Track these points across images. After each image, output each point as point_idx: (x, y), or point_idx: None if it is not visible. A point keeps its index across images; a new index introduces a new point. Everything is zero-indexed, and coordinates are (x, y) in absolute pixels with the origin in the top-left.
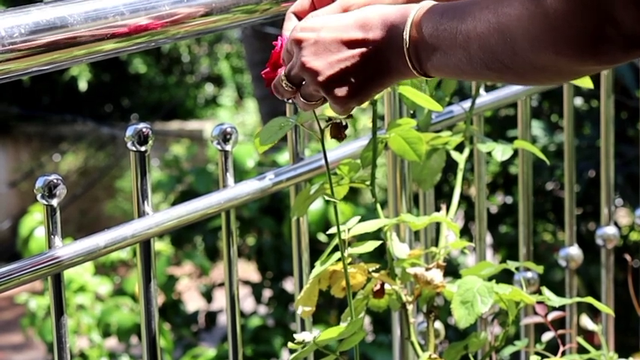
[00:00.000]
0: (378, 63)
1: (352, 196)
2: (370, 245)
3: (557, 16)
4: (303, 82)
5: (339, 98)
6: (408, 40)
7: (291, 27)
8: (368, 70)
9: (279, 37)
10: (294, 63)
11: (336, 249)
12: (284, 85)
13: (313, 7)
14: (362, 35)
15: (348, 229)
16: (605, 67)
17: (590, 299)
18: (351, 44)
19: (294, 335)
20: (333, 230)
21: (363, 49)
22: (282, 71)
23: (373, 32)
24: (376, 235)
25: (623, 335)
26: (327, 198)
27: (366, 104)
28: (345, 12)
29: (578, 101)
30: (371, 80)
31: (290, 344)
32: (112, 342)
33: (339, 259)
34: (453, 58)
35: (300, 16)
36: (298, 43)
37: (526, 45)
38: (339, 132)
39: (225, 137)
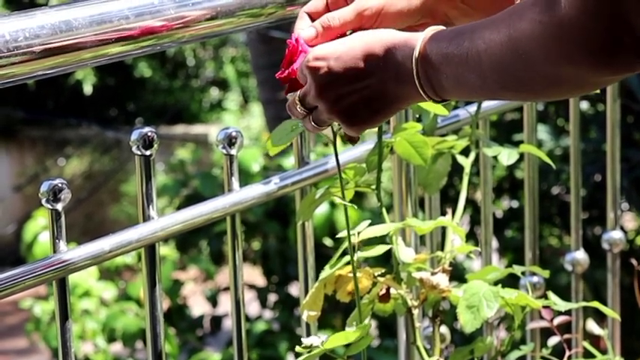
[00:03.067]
0: (388, 91)
1: (358, 200)
2: (379, 249)
3: (572, 27)
4: (317, 107)
5: (352, 127)
6: (416, 67)
7: (303, 26)
8: (380, 99)
9: (292, 36)
10: (308, 90)
11: (344, 253)
12: (298, 108)
13: (327, 8)
14: (370, 66)
15: (358, 234)
16: (622, 76)
17: (596, 304)
18: (361, 74)
19: (302, 340)
20: (341, 234)
21: (374, 79)
22: (297, 94)
23: (381, 62)
24: (382, 239)
25: (629, 339)
26: (338, 201)
27: None
28: (360, 15)
29: (584, 105)
30: (383, 108)
31: (297, 348)
32: (117, 347)
33: (347, 264)
34: (465, 81)
35: (313, 17)
36: (312, 71)
37: (541, 59)
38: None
39: (230, 141)
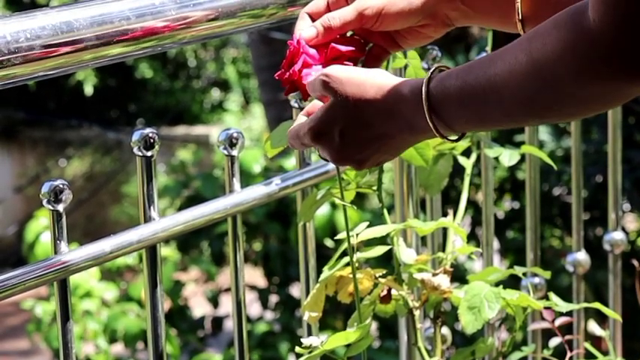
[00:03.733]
0: (405, 142)
1: (359, 201)
2: (379, 250)
3: (603, 39)
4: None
5: (363, 168)
6: (431, 120)
7: (304, 27)
8: (397, 150)
9: (293, 37)
10: (324, 154)
11: (344, 254)
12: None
13: (328, 9)
14: (383, 126)
15: (357, 235)
16: None
17: (597, 305)
18: (375, 137)
19: (302, 340)
20: (341, 235)
21: (388, 139)
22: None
23: (393, 120)
24: (383, 240)
25: (631, 341)
26: (337, 202)
27: None
28: (360, 15)
29: None
30: (399, 154)
31: (297, 349)
32: (118, 348)
33: (347, 264)
34: (489, 118)
35: (314, 18)
36: (320, 140)
37: (571, 79)
38: None
39: (231, 142)
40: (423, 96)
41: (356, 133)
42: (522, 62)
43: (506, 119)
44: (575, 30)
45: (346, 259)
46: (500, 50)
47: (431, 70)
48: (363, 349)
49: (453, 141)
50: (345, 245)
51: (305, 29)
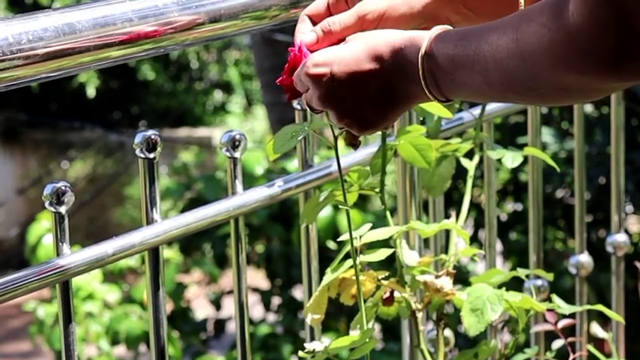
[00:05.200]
0: (394, 92)
1: (361, 203)
2: (382, 253)
3: (579, 36)
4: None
5: (362, 130)
6: (422, 66)
7: (304, 29)
8: (385, 101)
9: (294, 41)
10: (310, 97)
11: (347, 257)
12: (307, 109)
13: (329, 12)
14: (375, 66)
15: (360, 237)
16: (630, 84)
17: (600, 307)
18: (365, 77)
19: (305, 345)
20: (343, 237)
21: (378, 82)
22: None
23: (386, 62)
24: (386, 242)
25: (634, 343)
26: (340, 206)
27: None
28: (361, 19)
29: (589, 108)
30: (391, 109)
31: (300, 353)
32: (121, 350)
33: (350, 267)
34: (471, 83)
35: (314, 20)
36: (313, 78)
37: (548, 66)
38: (354, 139)
39: (234, 144)
40: (422, 50)
41: (350, 70)
42: (509, 44)
43: (489, 90)
44: (556, 20)
45: (349, 261)
46: (495, 22)
47: (438, 29)
48: (366, 352)
49: (441, 101)
50: (347, 247)
51: (305, 34)
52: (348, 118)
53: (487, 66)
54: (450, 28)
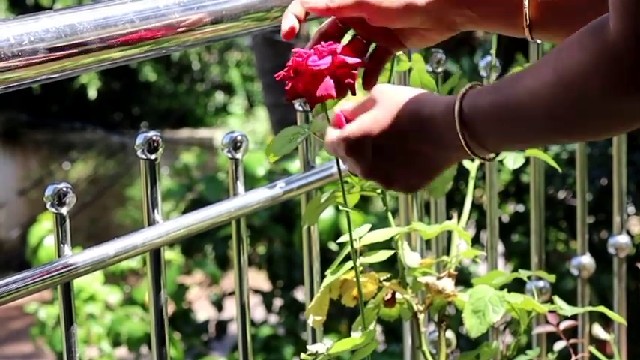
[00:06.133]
0: (437, 160)
1: (363, 204)
2: (382, 254)
3: (625, 58)
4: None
5: (406, 192)
6: (462, 134)
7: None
8: (430, 169)
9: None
10: (352, 168)
11: (347, 258)
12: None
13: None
14: (416, 139)
15: (360, 238)
16: None
17: (602, 308)
18: (408, 150)
19: (307, 347)
20: (342, 239)
21: (422, 155)
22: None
23: (426, 134)
24: (387, 243)
25: (635, 344)
26: (340, 207)
27: None
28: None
29: None
30: (434, 173)
31: (303, 355)
32: (122, 351)
33: (351, 268)
34: (516, 132)
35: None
36: (355, 156)
37: (594, 95)
38: None
39: (235, 145)
40: (456, 112)
41: (389, 147)
42: (548, 79)
43: (534, 136)
44: (597, 41)
45: (349, 263)
46: (529, 66)
47: (465, 87)
48: (368, 354)
49: (486, 160)
50: (347, 249)
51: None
52: (394, 186)
53: (529, 114)
54: (478, 85)
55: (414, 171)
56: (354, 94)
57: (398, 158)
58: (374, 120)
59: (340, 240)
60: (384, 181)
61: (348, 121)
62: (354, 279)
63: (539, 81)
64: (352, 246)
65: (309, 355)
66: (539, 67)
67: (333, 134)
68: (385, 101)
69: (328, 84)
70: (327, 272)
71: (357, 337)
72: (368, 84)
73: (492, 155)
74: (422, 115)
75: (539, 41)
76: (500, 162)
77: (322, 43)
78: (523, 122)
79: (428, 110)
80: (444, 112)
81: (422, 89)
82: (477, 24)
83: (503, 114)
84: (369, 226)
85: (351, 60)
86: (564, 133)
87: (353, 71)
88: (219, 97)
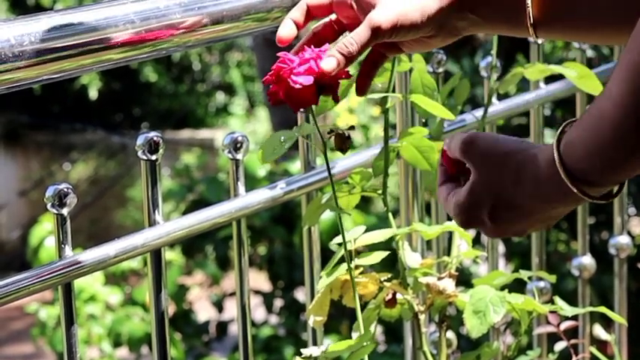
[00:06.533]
0: (552, 217)
1: (364, 205)
2: (377, 256)
3: None
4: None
5: (524, 235)
6: (575, 185)
7: (294, 15)
8: (546, 219)
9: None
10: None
11: (342, 260)
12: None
13: (330, 7)
14: (524, 197)
15: (354, 240)
16: None
17: (602, 309)
18: (523, 218)
19: (302, 350)
20: (336, 240)
21: (534, 214)
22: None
23: (535, 195)
24: (388, 244)
25: (636, 345)
26: (330, 210)
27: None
28: (375, 31)
29: None
30: (551, 223)
31: (297, 359)
32: (123, 352)
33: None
34: (610, 155)
35: (312, 11)
36: (470, 224)
37: None
38: (342, 143)
39: (236, 146)
40: (557, 161)
41: (504, 214)
42: (629, 79)
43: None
44: None
45: (344, 265)
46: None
47: (559, 130)
48: (364, 355)
49: (606, 200)
50: (342, 251)
51: (325, 61)
52: (519, 235)
53: (620, 129)
54: (568, 133)
55: (539, 221)
56: (336, 101)
57: (517, 220)
58: (481, 189)
59: (334, 242)
60: (514, 235)
61: (451, 168)
62: (355, 280)
63: (620, 87)
64: (346, 248)
65: (303, 358)
66: (616, 72)
67: (450, 201)
68: (487, 166)
69: (309, 91)
70: (323, 274)
71: (353, 339)
72: (361, 88)
73: (607, 192)
74: (527, 178)
75: (540, 41)
76: None
77: (312, 47)
78: (617, 141)
79: (531, 172)
80: (545, 169)
81: (515, 141)
82: (480, 27)
83: (594, 138)
84: (364, 228)
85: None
86: None
87: (337, 80)
88: (220, 97)
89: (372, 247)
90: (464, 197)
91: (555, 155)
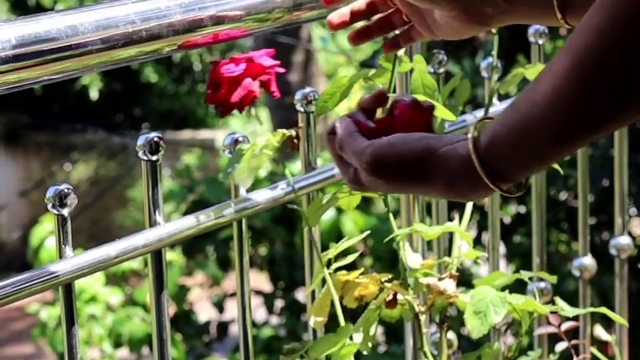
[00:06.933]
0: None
1: (364, 206)
2: (349, 258)
3: None
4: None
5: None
6: (477, 160)
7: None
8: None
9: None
10: (370, 184)
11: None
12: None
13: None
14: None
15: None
16: None
17: (603, 309)
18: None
19: (284, 346)
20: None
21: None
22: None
23: (442, 177)
24: (389, 245)
25: (637, 346)
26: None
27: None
28: None
29: None
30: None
31: (281, 357)
32: (124, 352)
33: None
34: (536, 143)
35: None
36: (375, 172)
37: (621, 40)
38: (293, 144)
39: (236, 146)
40: (475, 162)
41: (403, 175)
42: (559, 61)
43: (556, 140)
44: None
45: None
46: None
47: (476, 121)
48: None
49: (511, 195)
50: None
51: (332, 15)
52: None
53: (546, 105)
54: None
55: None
56: (275, 96)
57: (416, 187)
58: (402, 142)
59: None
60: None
61: (369, 130)
62: (356, 280)
63: (555, 74)
64: (321, 259)
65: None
66: (555, 60)
67: (361, 143)
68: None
69: (248, 83)
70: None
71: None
72: (356, 38)
73: (516, 186)
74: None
75: (566, 26)
76: None
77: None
78: (543, 123)
79: (439, 154)
80: (461, 151)
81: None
82: (509, 14)
83: (517, 127)
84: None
85: (267, 63)
86: (597, 124)
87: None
88: None
89: (374, 249)
90: (385, 143)
91: (473, 155)
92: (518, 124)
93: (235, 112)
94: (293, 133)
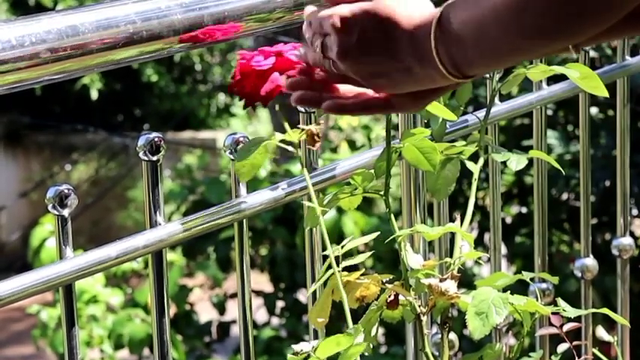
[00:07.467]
0: (412, 73)
1: (366, 206)
2: (360, 258)
3: None
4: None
5: (387, 90)
6: (435, 42)
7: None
8: (404, 81)
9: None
10: (331, 45)
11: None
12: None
13: None
14: (395, 48)
15: (342, 247)
16: None
17: (605, 310)
18: (384, 55)
19: (293, 346)
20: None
21: (397, 63)
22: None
23: (406, 44)
24: (391, 245)
25: (639, 346)
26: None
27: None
28: None
29: (594, 110)
30: (407, 89)
31: (289, 357)
32: (124, 353)
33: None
34: (486, 42)
35: None
36: (342, 27)
37: None
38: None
39: (237, 147)
40: (433, 27)
41: (374, 37)
42: None
43: (505, 42)
44: None
45: (330, 270)
46: None
47: (438, 14)
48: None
49: (459, 80)
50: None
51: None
52: (376, 80)
53: (500, 8)
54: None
55: (387, 72)
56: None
57: (377, 50)
58: (370, 10)
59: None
60: (355, 66)
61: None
62: (357, 281)
63: None
64: (332, 256)
65: (294, 354)
66: None
67: (328, 9)
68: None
69: (275, 78)
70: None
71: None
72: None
73: (463, 77)
74: (402, 27)
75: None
76: (504, 163)
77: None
78: (496, 27)
79: (417, 19)
80: (423, 25)
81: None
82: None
83: (476, 20)
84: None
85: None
86: (545, 33)
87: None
88: (222, 98)
89: (374, 249)
90: (351, 6)
91: (432, 44)
92: (477, 18)
93: (237, 111)
94: (314, 129)
